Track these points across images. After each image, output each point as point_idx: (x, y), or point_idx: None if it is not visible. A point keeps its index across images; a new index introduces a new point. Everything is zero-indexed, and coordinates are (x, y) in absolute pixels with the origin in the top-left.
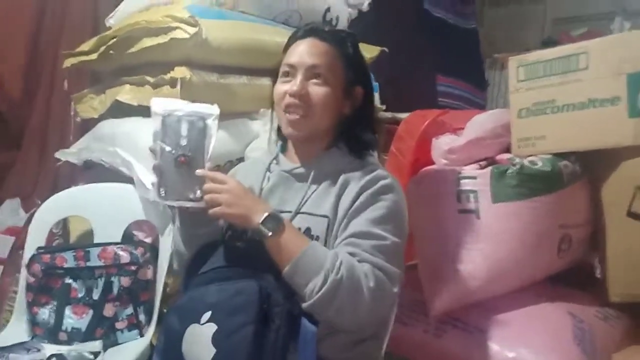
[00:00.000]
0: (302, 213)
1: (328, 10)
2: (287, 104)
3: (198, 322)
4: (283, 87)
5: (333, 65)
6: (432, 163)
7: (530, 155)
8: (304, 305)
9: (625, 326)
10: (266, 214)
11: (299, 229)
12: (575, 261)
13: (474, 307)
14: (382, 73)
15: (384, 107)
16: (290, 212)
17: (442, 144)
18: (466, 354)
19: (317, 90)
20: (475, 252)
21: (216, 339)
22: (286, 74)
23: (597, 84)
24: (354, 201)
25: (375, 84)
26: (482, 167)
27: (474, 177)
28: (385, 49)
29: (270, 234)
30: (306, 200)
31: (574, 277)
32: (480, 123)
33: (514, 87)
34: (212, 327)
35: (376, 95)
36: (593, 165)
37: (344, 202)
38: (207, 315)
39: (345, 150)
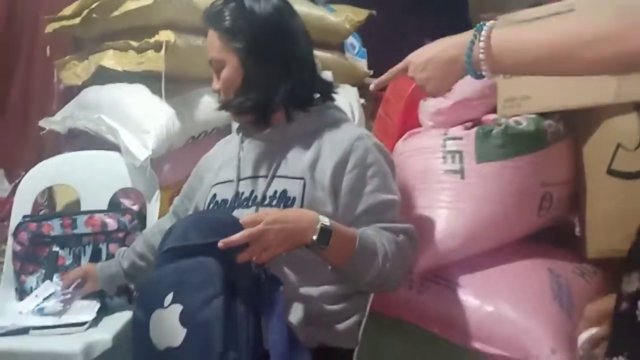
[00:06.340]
0: (278, 176)
1: None
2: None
3: (161, 306)
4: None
5: (228, 52)
6: (420, 125)
7: (516, 116)
8: (363, 284)
9: (599, 280)
10: (318, 230)
11: (275, 191)
12: (556, 219)
13: (455, 264)
14: (370, 38)
15: (371, 72)
16: (265, 176)
17: (429, 106)
18: (447, 308)
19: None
20: (458, 211)
21: (184, 318)
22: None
23: None
24: (341, 169)
25: (362, 50)
26: (467, 128)
27: (460, 138)
28: (374, 12)
29: (326, 246)
30: (279, 164)
31: (554, 235)
32: (466, 84)
33: None
34: (178, 308)
35: (364, 62)
36: (576, 124)
37: (324, 164)
38: (170, 297)
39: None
